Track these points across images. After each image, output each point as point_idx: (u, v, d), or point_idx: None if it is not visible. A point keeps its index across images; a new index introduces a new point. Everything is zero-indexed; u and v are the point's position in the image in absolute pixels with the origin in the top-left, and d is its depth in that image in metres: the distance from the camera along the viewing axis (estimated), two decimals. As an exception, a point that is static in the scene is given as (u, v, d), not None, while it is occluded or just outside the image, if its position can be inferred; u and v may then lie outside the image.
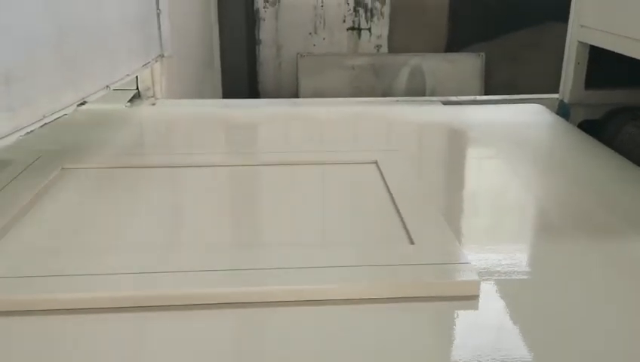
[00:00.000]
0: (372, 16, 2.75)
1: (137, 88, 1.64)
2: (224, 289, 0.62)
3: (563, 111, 1.52)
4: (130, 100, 1.59)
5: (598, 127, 1.44)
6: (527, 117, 1.42)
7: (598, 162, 1.12)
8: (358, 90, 2.75)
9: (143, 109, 1.56)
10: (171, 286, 0.62)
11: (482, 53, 2.70)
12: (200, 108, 1.59)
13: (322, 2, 2.75)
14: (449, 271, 0.66)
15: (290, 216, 0.84)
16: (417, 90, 2.74)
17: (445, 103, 1.60)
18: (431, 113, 1.46)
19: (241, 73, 2.77)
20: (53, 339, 0.57)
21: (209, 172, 1.00)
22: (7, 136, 0.82)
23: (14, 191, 0.87)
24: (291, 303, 0.61)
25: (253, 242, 0.79)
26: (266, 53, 2.82)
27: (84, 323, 0.58)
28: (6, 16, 0.81)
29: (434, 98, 1.67)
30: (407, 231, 0.75)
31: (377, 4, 2.74)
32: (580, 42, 1.45)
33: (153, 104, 1.61)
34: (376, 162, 1.01)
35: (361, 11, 2.75)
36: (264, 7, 2.77)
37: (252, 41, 2.80)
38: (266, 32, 2.79)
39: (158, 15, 1.62)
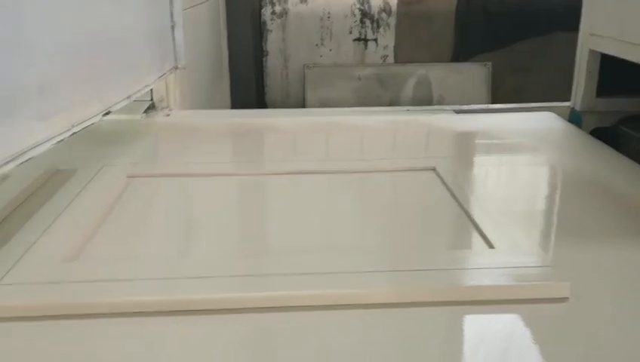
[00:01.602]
0: (378, 27, 2.78)
1: (152, 99, 1.66)
2: (316, 291, 0.62)
3: (575, 118, 1.54)
4: (146, 111, 1.61)
5: (609, 135, 1.46)
6: (541, 124, 1.44)
7: (614, 168, 1.14)
8: (364, 101, 2.76)
9: (159, 120, 1.58)
10: (257, 289, 0.62)
11: (489, 63, 2.72)
12: (219, 118, 1.60)
13: (329, 14, 2.77)
14: (537, 274, 0.66)
15: (361, 223, 0.85)
16: (424, 100, 2.76)
17: (457, 112, 1.62)
18: (450, 121, 1.48)
19: (249, 84, 2.80)
20: (120, 340, 0.57)
21: (264, 180, 1.00)
22: (41, 144, 0.84)
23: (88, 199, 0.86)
24: (375, 306, 0.62)
25: (336, 246, 0.78)
26: (273, 64, 2.84)
27: (146, 324, 0.59)
28: (42, 31, 0.83)
29: (446, 107, 1.69)
30: (485, 236, 0.75)
31: (384, 15, 2.76)
32: (591, 50, 1.47)
33: (168, 115, 1.63)
34: (434, 168, 1.00)
35: (368, 22, 2.78)
36: (271, 20, 2.80)
37: (259, 53, 2.82)
38: (272, 43, 2.82)
39: (172, 27, 1.65)
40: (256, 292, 0.62)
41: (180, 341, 0.57)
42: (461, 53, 2.76)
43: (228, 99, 2.65)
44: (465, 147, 1.31)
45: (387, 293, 0.62)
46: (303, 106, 2.83)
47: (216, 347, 0.57)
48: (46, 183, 0.91)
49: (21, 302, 0.58)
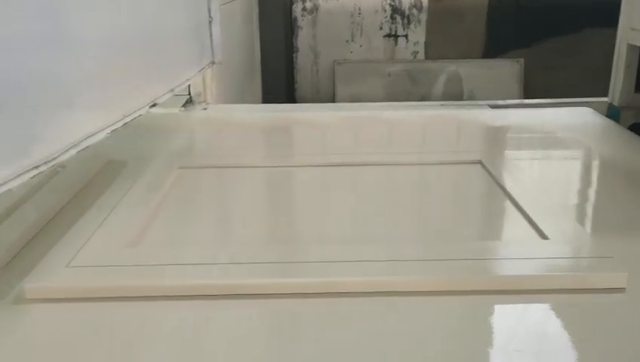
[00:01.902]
0: (409, 23, 2.77)
1: (189, 94, 1.68)
2: (375, 277, 0.63)
3: (612, 114, 1.53)
4: (184, 105, 1.63)
5: (648, 130, 1.44)
6: (579, 119, 1.43)
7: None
8: (394, 97, 2.77)
9: (196, 114, 1.60)
10: (315, 275, 0.63)
11: (521, 60, 2.71)
12: (257, 113, 1.62)
13: (359, 10, 2.78)
14: (594, 265, 0.66)
15: (416, 215, 0.85)
16: (454, 96, 2.75)
17: (492, 107, 1.61)
18: (486, 115, 1.47)
19: (280, 80, 2.82)
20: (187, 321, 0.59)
21: (314, 171, 1.01)
22: (96, 133, 0.86)
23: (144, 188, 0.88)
24: (432, 293, 0.62)
25: (395, 235, 0.79)
26: (303, 60, 2.86)
27: (199, 307, 0.60)
28: (96, 27, 0.86)
29: (480, 102, 1.69)
30: (537, 227, 0.76)
31: (414, 11, 2.76)
32: (630, 45, 1.46)
33: (205, 109, 1.65)
34: (480, 161, 1.01)
35: (398, 18, 2.78)
36: (302, 16, 2.81)
37: (290, 49, 2.84)
38: (303, 39, 2.83)
39: (210, 23, 1.67)
40: (304, 278, 0.63)
41: (234, 323, 0.58)
42: (492, 50, 2.75)
43: (259, 95, 2.67)
44: (507, 141, 1.31)
45: (447, 281, 0.63)
46: (333, 102, 2.84)
47: (279, 330, 0.58)
48: (100, 173, 0.93)
49: (89, 283, 0.60)
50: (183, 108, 1.61)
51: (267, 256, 0.67)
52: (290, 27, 2.82)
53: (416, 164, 1.01)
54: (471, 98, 2.73)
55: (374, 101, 2.75)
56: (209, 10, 1.65)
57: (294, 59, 2.86)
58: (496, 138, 1.31)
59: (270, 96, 2.72)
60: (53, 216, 0.75)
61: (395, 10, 2.77)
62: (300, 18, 2.81)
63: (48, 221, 0.72)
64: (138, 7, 1.05)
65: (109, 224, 0.72)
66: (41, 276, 0.61)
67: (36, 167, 0.71)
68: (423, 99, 2.78)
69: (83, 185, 0.83)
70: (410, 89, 2.80)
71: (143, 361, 0.52)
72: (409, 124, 1.37)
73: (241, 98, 2.26)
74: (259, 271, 0.63)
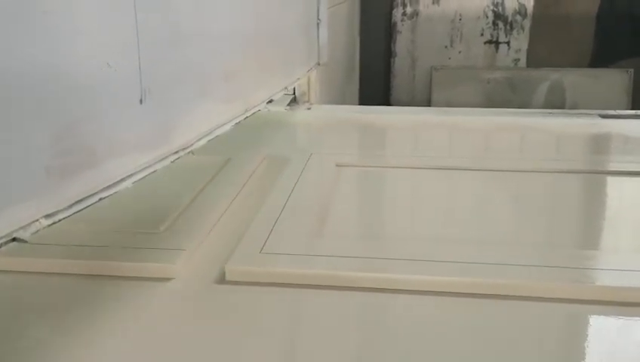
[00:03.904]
0: (512, 29, 2.73)
1: (294, 93, 1.73)
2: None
3: None
4: (289, 104, 1.69)
5: None
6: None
7: None
8: (492, 104, 2.72)
9: (301, 113, 1.65)
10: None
11: (631, 70, 2.60)
12: (365, 114, 1.64)
13: (460, 16, 2.76)
14: None
15: (587, 223, 0.86)
16: (556, 105, 2.68)
17: (603, 117, 1.57)
18: (612, 126, 1.44)
19: (377, 84, 2.84)
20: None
21: (461, 174, 1.03)
22: (224, 124, 0.91)
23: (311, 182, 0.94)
24: (552, 300, 0.63)
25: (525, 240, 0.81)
26: (400, 65, 2.87)
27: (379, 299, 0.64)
28: (226, 27, 0.92)
29: (590, 111, 1.64)
30: None
31: (518, 17, 2.71)
32: None
33: (309, 108, 1.70)
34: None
35: (501, 24, 2.73)
36: (401, 21, 2.82)
37: (388, 54, 2.86)
38: (401, 44, 2.84)
39: (318, 25, 1.72)
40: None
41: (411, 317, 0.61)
42: (601, 59, 2.65)
43: (356, 98, 2.70)
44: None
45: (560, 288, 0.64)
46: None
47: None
48: (261, 168, 0.98)
49: (281, 269, 0.65)
50: (288, 107, 1.67)
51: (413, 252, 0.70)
52: (389, 32, 2.84)
53: (586, 173, 1.02)
54: (574, 107, 2.64)
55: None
56: (318, 12, 1.71)
57: (392, 64, 2.88)
58: (619, 148, 1.29)
59: (367, 99, 2.75)
60: (229, 205, 0.79)
61: (498, 17, 2.73)
62: (399, 23, 2.83)
63: (226, 209, 0.76)
64: (262, 9, 1.11)
65: (286, 216, 0.77)
66: (240, 259, 0.66)
67: (175, 153, 0.78)
68: (522, 107, 2.72)
69: (247, 178, 0.88)
70: (509, 97, 2.75)
71: (333, 347, 0.56)
72: (529, 130, 1.37)
73: (341, 99, 2.31)
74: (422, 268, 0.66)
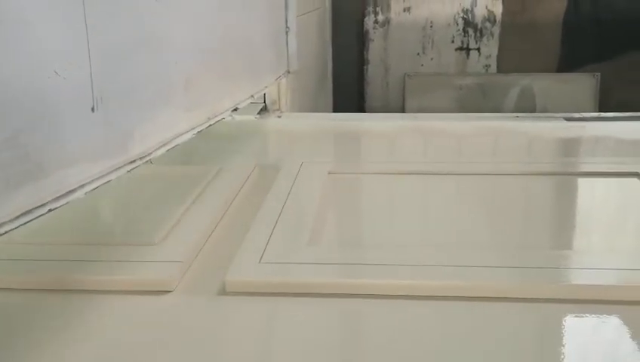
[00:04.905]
0: (482, 36, 2.76)
1: (264, 101, 1.73)
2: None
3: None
4: (259, 112, 1.69)
5: None
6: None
7: None
8: (465, 110, 2.74)
9: (271, 121, 1.65)
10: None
11: (597, 74, 2.64)
12: (336, 121, 1.65)
13: (431, 23, 2.78)
14: None
15: (579, 226, 0.87)
16: (527, 110, 2.70)
17: (568, 120, 1.59)
18: (584, 129, 1.47)
19: (350, 91, 2.85)
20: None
21: (437, 179, 1.04)
22: (184, 133, 0.90)
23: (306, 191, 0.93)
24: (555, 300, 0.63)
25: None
26: (373, 72, 2.88)
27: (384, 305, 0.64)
28: (186, 33, 0.91)
29: (555, 114, 1.67)
30: None
31: (487, 24, 2.75)
32: None
33: (279, 117, 1.70)
34: (637, 174, 1.00)
35: (471, 31, 2.76)
36: (373, 29, 2.84)
37: (361, 61, 2.87)
38: (374, 52, 2.86)
39: (287, 33, 1.72)
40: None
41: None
42: (568, 64, 2.69)
43: (330, 106, 2.71)
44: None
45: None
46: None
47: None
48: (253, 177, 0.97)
49: (281, 278, 0.64)
50: (258, 116, 1.67)
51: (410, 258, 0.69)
52: (361, 39, 2.86)
53: (573, 175, 1.03)
54: (544, 111, 2.67)
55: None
56: (286, 21, 1.71)
57: (365, 72, 2.89)
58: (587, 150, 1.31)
59: (340, 107, 2.75)
60: (222, 215, 0.78)
61: (468, 24, 2.76)
62: (371, 31, 2.84)
63: (220, 219, 0.75)
64: (225, 15, 1.11)
65: (282, 224, 0.76)
66: (239, 270, 0.65)
67: (132, 162, 0.77)
68: (494, 112, 2.75)
69: (240, 188, 0.87)
70: (481, 102, 2.78)
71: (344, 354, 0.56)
72: (502, 135, 1.38)
73: (314, 107, 2.31)
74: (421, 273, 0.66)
